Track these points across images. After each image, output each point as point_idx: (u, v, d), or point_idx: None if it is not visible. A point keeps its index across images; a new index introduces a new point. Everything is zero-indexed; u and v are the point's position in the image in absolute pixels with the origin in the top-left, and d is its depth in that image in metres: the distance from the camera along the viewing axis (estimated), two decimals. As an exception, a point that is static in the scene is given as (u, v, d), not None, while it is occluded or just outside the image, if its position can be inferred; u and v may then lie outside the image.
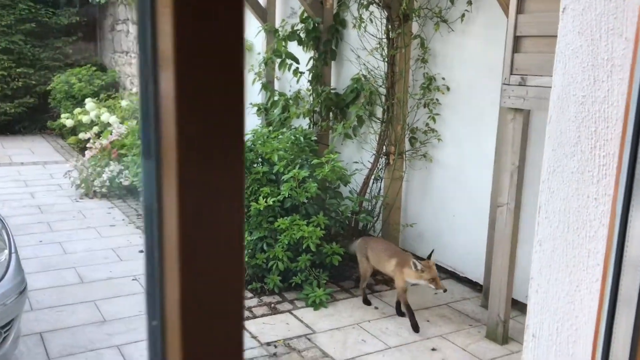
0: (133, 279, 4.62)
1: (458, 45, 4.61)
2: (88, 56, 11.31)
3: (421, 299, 4.31)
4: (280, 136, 5.03)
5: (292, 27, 5.71)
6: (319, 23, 5.53)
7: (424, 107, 4.82)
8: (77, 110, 8.94)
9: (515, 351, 3.71)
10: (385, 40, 4.87)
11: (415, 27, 4.84)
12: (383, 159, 5.00)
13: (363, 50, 5.08)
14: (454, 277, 4.80)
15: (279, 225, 4.35)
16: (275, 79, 6.43)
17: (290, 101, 5.87)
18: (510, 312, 3.91)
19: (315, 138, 5.31)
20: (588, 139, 0.91)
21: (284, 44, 5.69)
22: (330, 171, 4.56)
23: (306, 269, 4.37)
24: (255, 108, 6.28)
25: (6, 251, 3.22)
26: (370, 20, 4.93)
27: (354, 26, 5.07)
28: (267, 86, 6.25)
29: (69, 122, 8.99)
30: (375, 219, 5.09)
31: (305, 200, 4.48)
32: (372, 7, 4.89)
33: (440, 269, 4.56)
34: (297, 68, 5.69)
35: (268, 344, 3.70)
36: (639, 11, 0.81)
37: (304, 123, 5.73)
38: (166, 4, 0.41)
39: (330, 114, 5.56)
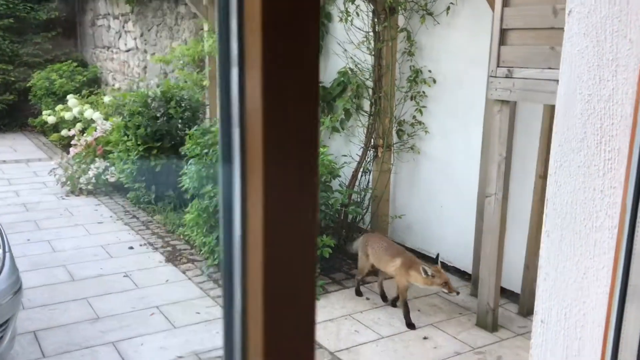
0: (124, 276, 4.62)
1: (444, 38, 4.67)
2: (68, 52, 11.17)
3: (411, 289, 4.38)
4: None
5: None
6: (304, 17, 5.55)
7: (411, 99, 4.88)
8: (59, 106, 8.85)
9: (505, 338, 3.81)
10: (371, 33, 4.91)
11: (401, 20, 4.89)
12: (371, 151, 5.06)
13: (350, 44, 5.12)
14: (442, 267, 4.87)
15: (270, 219, 4.38)
16: (217, 74, 6.43)
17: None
18: (499, 299, 4.01)
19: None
20: (594, 135, 0.96)
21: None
22: (320, 165, 4.59)
23: (298, 262, 4.41)
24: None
25: (0, 250, 3.21)
26: (357, 13, 4.96)
27: (340, 20, 5.10)
28: (253, 80, 6.25)
29: (50, 119, 8.90)
30: (364, 211, 5.14)
31: (296, 194, 4.51)
32: (358, 1, 4.92)
33: (428, 259, 4.64)
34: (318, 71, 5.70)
35: (263, 336, 3.74)
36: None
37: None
38: (254, 16, 0.43)
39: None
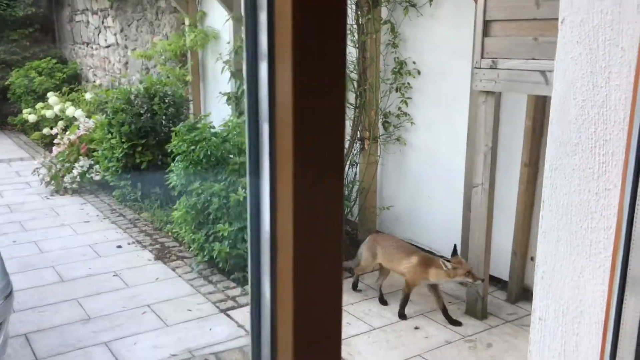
0: (114, 275, 4.61)
1: (427, 29, 4.69)
2: (47, 49, 11.00)
3: (400, 279, 4.43)
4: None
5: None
6: (287, 10, 5.53)
7: (396, 91, 4.91)
8: (40, 104, 8.73)
9: (495, 325, 3.88)
10: (355, 26, 4.92)
11: (384, 12, 4.90)
12: (358, 144, 5.08)
13: (333, 37, 5.11)
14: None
15: (259, 215, 4.39)
16: (244, 68, 6.41)
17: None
18: (488, 287, 4.08)
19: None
20: (588, 139, 0.99)
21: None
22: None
23: (288, 256, 4.44)
24: (225, 97, 6.26)
25: (-11, 255, 3.19)
26: (340, 6, 4.96)
27: (323, 13, 5.10)
28: (237, 75, 6.23)
29: (31, 118, 8.78)
30: (352, 203, 5.18)
31: (284, 189, 4.52)
32: (341, -6, 4.92)
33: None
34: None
35: (256, 332, 3.77)
36: None
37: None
38: (284, 10, 0.44)
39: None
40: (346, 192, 5.17)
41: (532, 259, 4.10)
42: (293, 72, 0.45)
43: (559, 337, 1.09)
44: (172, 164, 4.91)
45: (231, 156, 4.88)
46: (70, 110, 7.82)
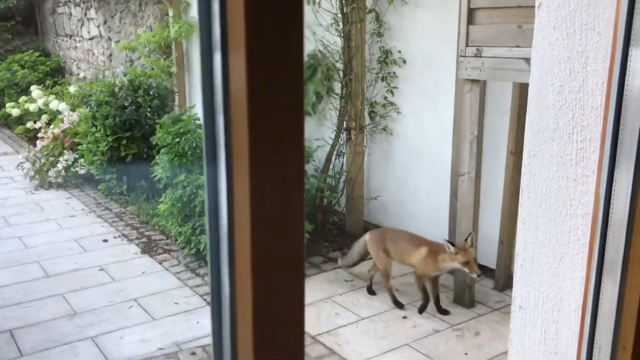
0: (100, 269, 4.58)
1: (412, 18, 4.67)
2: (29, 41, 10.85)
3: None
4: (240, 117, 5.01)
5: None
6: None
7: (382, 80, 4.89)
8: (23, 98, 8.62)
9: (482, 313, 3.90)
10: (339, 15, 4.89)
11: (369, 1, 4.87)
12: (344, 134, 5.06)
13: (318, 26, 5.08)
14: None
15: (246, 207, 4.37)
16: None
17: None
18: (475, 276, 4.09)
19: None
20: (566, 125, 0.98)
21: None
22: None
23: (275, 247, 4.42)
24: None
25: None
26: (324, -5, 4.92)
27: (308, 2, 5.06)
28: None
29: (15, 111, 8.66)
30: (339, 194, 5.17)
31: (271, 180, 4.50)
32: (325, -17, 4.88)
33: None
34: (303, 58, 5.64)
35: (244, 324, 3.76)
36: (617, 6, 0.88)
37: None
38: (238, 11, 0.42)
39: (288, 91, 5.56)
40: (333, 183, 5.16)
41: (519, 246, 4.09)
42: (247, 62, 0.43)
43: (539, 324, 1.08)
44: (157, 157, 4.87)
45: (217, 148, 4.84)
46: (54, 104, 7.72)
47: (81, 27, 9.51)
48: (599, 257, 0.88)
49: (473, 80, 3.74)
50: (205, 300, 4.10)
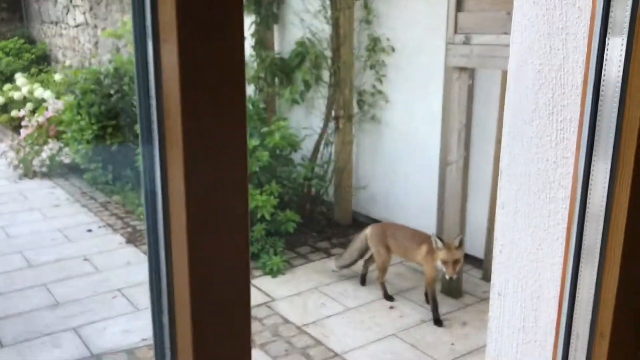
0: (84, 259, 4.52)
1: (401, 5, 4.61)
2: (14, 28, 10.68)
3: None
4: (226, 105, 4.95)
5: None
6: (259, -14, 5.41)
7: (370, 69, 4.84)
8: (7, 86, 8.49)
9: (470, 303, 3.88)
10: (328, 1, 4.82)
11: (357, -11, 4.81)
12: (332, 123, 5.02)
13: (306, 13, 5.02)
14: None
15: (231, 196, 4.32)
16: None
17: (234, 68, 5.76)
18: (463, 266, 4.07)
19: (264, 106, 5.26)
20: (546, 105, 0.94)
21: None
22: (281, 138, 4.54)
23: (262, 238, 4.39)
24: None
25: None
26: (312, -18, 4.86)
27: (296, -11, 4.99)
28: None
29: (-1, 100, 8.53)
30: (327, 183, 5.13)
31: (257, 170, 4.46)
32: (313, -31, 4.82)
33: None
34: (244, 39, 5.57)
35: (229, 314, 3.72)
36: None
37: (249, 90, 5.65)
38: None
39: (276, 79, 5.50)
40: (321, 172, 5.12)
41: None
42: (179, 52, 0.40)
43: (518, 312, 1.05)
44: (142, 145, 4.80)
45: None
46: (39, 92, 7.61)
47: (67, 14, 9.37)
48: (576, 243, 0.85)
49: (461, 68, 3.70)
50: (190, 290, 4.06)
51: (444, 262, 3.49)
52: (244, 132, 0.45)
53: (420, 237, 3.75)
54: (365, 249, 4.03)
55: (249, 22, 5.57)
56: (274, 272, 4.23)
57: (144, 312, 3.74)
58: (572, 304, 0.82)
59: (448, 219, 3.94)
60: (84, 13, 8.83)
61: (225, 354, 0.44)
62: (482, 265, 4.25)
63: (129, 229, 5.09)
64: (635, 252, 0.80)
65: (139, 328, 3.56)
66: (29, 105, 7.69)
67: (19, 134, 6.96)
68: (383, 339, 3.45)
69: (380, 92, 4.86)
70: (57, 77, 8.02)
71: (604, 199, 0.80)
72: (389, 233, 3.91)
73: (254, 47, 5.53)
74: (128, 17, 7.50)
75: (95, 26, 8.58)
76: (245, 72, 0.45)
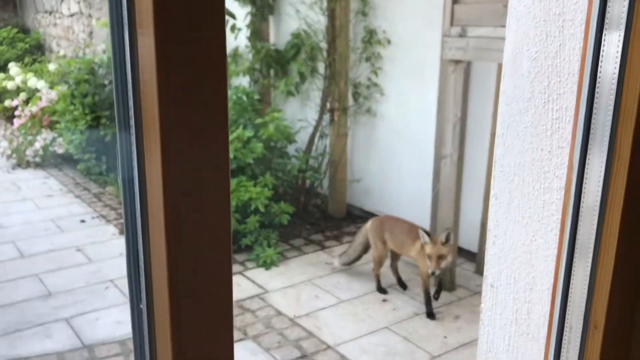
0: (77, 250, 4.49)
1: (397, -2, 4.59)
2: (7, 18, 10.58)
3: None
4: (221, 96, 4.92)
5: (227, -18, 5.52)
6: (254, -23, 5.37)
7: (366, 61, 4.81)
8: (1, 75, 8.41)
9: (463, 297, 3.88)
10: (324, -7, 4.79)
11: (353, -20, 4.78)
12: (327, 115, 4.99)
13: (302, 4, 4.99)
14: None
15: (225, 187, 4.30)
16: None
17: (229, 59, 5.72)
18: (457, 259, 4.07)
19: (259, 97, 5.23)
20: (541, 94, 0.93)
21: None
22: (275, 130, 4.52)
23: (255, 230, 4.37)
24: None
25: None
26: (308, -27, 4.82)
27: (292, -20, 4.96)
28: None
29: (-8, 89, 8.46)
30: (322, 176, 5.11)
31: (251, 161, 4.44)
32: (310, -40, 4.78)
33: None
34: (234, 24, 5.53)
35: (222, 306, 3.71)
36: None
37: (244, 81, 5.62)
38: None
39: (271, 71, 5.47)
40: (316, 165, 5.10)
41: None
42: (156, 43, 0.38)
43: (510, 304, 1.04)
44: (136, 136, 4.77)
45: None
46: (33, 82, 7.55)
47: (61, 3, 9.29)
48: (570, 235, 0.83)
49: (457, 61, 3.68)
50: (183, 281, 4.04)
51: (429, 257, 3.48)
52: (225, 117, 0.43)
53: (416, 232, 3.71)
54: (368, 242, 4.00)
55: (244, 13, 5.53)
56: (267, 264, 4.22)
57: (136, 304, 3.73)
58: (566, 296, 0.81)
59: (442, 213, 3.93)
60: (79, 2, 8.76)
61: (206, 339, 0.43)
62: (476, 258, 4.25)
63: (122, 220, 5.07)
64: (630, 243, 0.78)
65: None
66: (23, 95, 7.63)
67: (12, 123, 6.91)
68: (376, 332, 3.45)
69: (375, 84, 4.83)
70: (51, 66, 7.95)
71: (599, 191, 0.79)
72: (386, 227, 3.88)
73: (249, 38, 5.49)
74: (123, 7, 7.44)
75: (90, 16, 8.50)
76: (226, 59, 0.44)
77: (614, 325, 0.75)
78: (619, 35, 0.77)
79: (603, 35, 0.81)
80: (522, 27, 0.94)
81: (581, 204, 0.81)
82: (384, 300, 3.82)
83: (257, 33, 5.45)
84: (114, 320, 3.53)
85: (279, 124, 4.60)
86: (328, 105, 4.96)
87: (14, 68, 8.27)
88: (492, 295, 1.07)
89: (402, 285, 3.94)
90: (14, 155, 6.47)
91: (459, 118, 3.73)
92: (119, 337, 3.36)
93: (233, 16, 5.54)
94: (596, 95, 0.82)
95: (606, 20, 0.80)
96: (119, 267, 4.22)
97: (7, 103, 7.83)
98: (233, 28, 5.50)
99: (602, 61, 0.81)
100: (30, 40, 9.69)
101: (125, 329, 3.45)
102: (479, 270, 4.19)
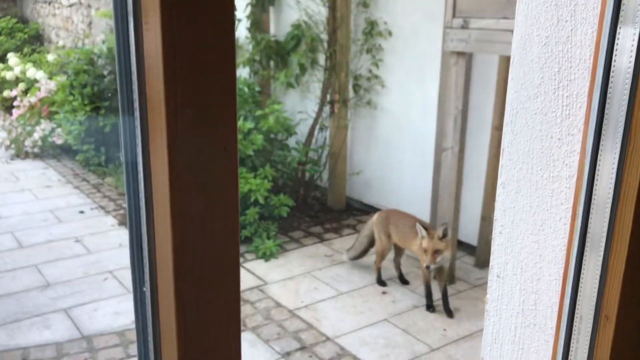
0: (75, 241, 4.48)
1: (399, -11, 4.55)
2: (6, 7, 10.52)
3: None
4: (221, 87, 4.89)
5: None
6: (255, -33, 5.33)
7: (367, 53, 4.78)
8: (0, 66, 8.38)
9: (462, 290, 3.87)
10: (325, -16, 4.76)
11: (355, -29, 4.74)
12: (327, 107, 4.97)
13: (303, -4, 4.95)
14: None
15: (225, 179, 4.28)
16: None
17: (230, 51, 5.68)
18: (456, 252, 4.06)
19: (260, 89, 5.20)
20: (551, 80, 0.91)
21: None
22: (276, 122, 4.49)
23: (255, 221, 4.36)
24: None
25: None
26: (309, -37, 4.79)
27: (293, -30, 4.92)
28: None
29: (-9, 79, 8.42)
30: (321, 168, 5.09)
31: (252, 153, 4.41)
32: (311, -50, 4.74)
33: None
34: (234, 15, 5.49)
35: (221, 297, 3.70)
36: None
37: (244, 73, 5.59)
38: None
39: (271, 62, 5.44)
40: (315, 157, 5.08)
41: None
42: (162, 31, 0.36)
43: (517, 295, 1.02)
44: (135, 127, 4.75)
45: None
46: (32, 72, 7.51)
47: (60, -7, 9.23)
48: (582, 224, 0.81)
49: (459, 53, 3.65)
50: (182, 273, 4.03)
51: (425, 250, 3.45)
52: (233, 99, 0.42)
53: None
54: (374, 235, 3.97)
55: (245, 4, 5.49)
56: (266, 256, 4.21)
57: (135, 295, 3.71)
58: (577, 286, 0.79)
59: (442, 206, 3.92)
60: (78, -8, 8.70)
61: (212, 324, 0.41)
62: (475, 252, 4.23)
63: (122, 211, 5.05)
64: (642, 232, 0.76)
65: (130, 310, 3.53)
66: (22, 86, 7.60)
67: (10, 114, 6.87)
68: (375, 324, 3.44)
69: (376, 76, 4.81)
70: (50, 57, 7.92)
71: (612, 180, 0.77)
72: (391, 220, 3.86)
73: (249, 29, 5.45)
74: (122, -3, 7.39)
75: (89, 6, 8.45)
76: (235, 47, 0.42)
77: (626, 316, 0.74)
78: (635, 28, 0.75)
79: (618, 26, 0.79)
80: (532, 12, 0.92)
81: (593, 193, 0.79)
82: (384, 293, 3.81)
83: (257, 24, 5.42)
84: (113, 311, 3.52)
85: (279, 115, 4.57)
86: (328, 97, 4.94)
87: (12, 58, 8.23)
88: (498, 286, 1.05)
89: (403, 281, 3.93)
90: (13, 145, 6.44)
91: (460, 110, 3.71)
92: (117, 327, 3.35)
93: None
94: (610, 81, 0.80)
95: (622, 9, 0.78)
96: (118, 258, 4.20)
97: (6, 93, 7.80)
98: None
99: (616, 54, 0.79)
100: (29, 31, 9.64)
101: (123, 319, 3.44)
102: (479, 264, 4.18)
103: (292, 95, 5.49)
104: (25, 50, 8.88)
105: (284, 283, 3.91)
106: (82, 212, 5.05)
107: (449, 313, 3.53)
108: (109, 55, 5.92)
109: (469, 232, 4.23)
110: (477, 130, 4.02)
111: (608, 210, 0.77)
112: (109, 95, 5.85)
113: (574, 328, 0.80)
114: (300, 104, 5.39)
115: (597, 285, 0.76)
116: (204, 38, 0.39)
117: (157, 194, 0.39)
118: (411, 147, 4.66)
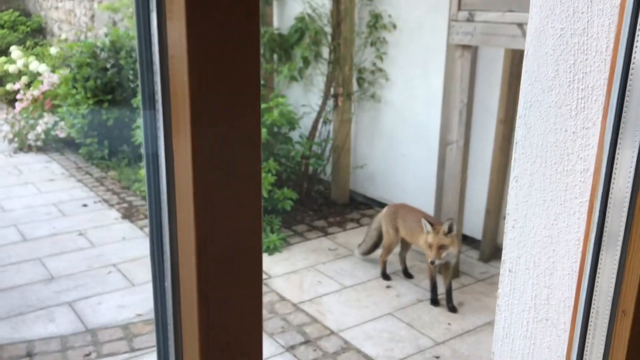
0: (79, 234, 4.48)
1: (403, -18, 4.52)
2: (9, 0, 10.50)
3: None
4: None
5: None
6: (259, -40, 5.30)
7: (371, 46, 4.76)
8: (2, 59, 8.36)
9: (467, 284, 3.87)
10: (329, -23, 4.73)
11: (359, -37, 4.71)
12: (331, 101, 4.95)
13: (307, -11, 4.92)
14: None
15: (229, 172, 4.27)
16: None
17: (233, 44, 5.67)
18: (461, 246, 4.04)
19: (263, 82, 5.19)
20: (566, 72, 0.90)
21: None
22: (279, 116, 4.48)
23: (259, 214, 4.35)
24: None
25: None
26: (313, -44, 4.76)
27: (296, -37, 4.89)
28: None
29: (-7, 73, 8.41)
30: (325, 162, 5.08)
31: (255, 146, 4.40)
32: (315, -57, 4.71)
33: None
34: (259, 1, 5.46)
35: (225, 291, 3.69)
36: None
37: (248, 66, 5.57)
38: None
39: (275, 55, 5.41)
40: (319, 151, 5.07)
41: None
42: (187, 24, 0.35)
43: (529, 289, 1.01)
44: (138, 121, 4.74)
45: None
46: (34, 65, 7.50)
47: (62, -14, 9.20)
48: (599, 219, 0.80)
49: (464, 46, 3.63)
50: (186, 266, 4.03)
51: (430, 246, 3.44)
52: (257, 89, 0.41)
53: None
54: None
55: (248, -3, 5.45)
56: (270, 250, 4.20)
57: (139, 288, 3.71)
58: (593, 281, 0.78)
59: (446, 200, 3.91)
60: (80, -15, 8.67)
61: (234, 323, 0.40)
62: (480, 246, 4.23)
63: (125, 205, 5.05)
64: (659, 226, 0.76)
65: (134, 303, 3.54)
66: (24, 79, 7.58)
67: (14, 107, 6.87)
68: (379, 318, 3.44)
69: (380, 70, 4.79)
70: (53, 50, 7.90)
71: (631, 176, 0.76)
72: (400, 215, 3.84)
73: (253, 22, 5.43)
74: (125, -10, 7.36)
75: (91, -1, 8.43)
76: (259, 42, 0.41)
77: (644, 311, 0.73)
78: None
79: (639, 17, 0.77)
80: (547, 3, 0.90)
81: (611, 189, 0.78)
82: (388, 287, 3.81)
83: (261, 17, 5.38)
84: (117, 305, 3.52)
85: (282, 109, 4.56)
86: (332, 91, 4.92)
87: (15, 51, 8.22)
88: (510, 281, 1.04)
89: (407, 275, 3.93)
90: (16, 139, 6.44)
91: (465, 104, 3.69)
92: (121, 321, 3.36)
93: None
94: (629, 81, 0.79)
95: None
96: (122, 252, 4.20)
97: (9, 87, 7.79)
98: (236, 12, 5.44)
99: (636, 46, 0.78)
100: (31, 24, 9.62)
101: (127, 313, 3.44)
102: (483, 258, 4.18)
103: (296, 88, 5.47)
104: (28, 43, 8.87)
105: (287, 277, 3.91)
106: (85, 205, 5.05)
107: (453, 310, 3.53)
108: (112, 49, 5.91)
109: (474, 225, 4.22)
110: (482, 123, 4.01)
111: (626, 207, 0.76)
112: (112, 88, 5.84)
113: (589, 323, 0.80)
114: (303, 98, 5.37)
115: (614, 280, 0.75)
116: (229, 26, 0.38)
117: (179, 188, 0.38)
118: (415, 141, 4.65)
